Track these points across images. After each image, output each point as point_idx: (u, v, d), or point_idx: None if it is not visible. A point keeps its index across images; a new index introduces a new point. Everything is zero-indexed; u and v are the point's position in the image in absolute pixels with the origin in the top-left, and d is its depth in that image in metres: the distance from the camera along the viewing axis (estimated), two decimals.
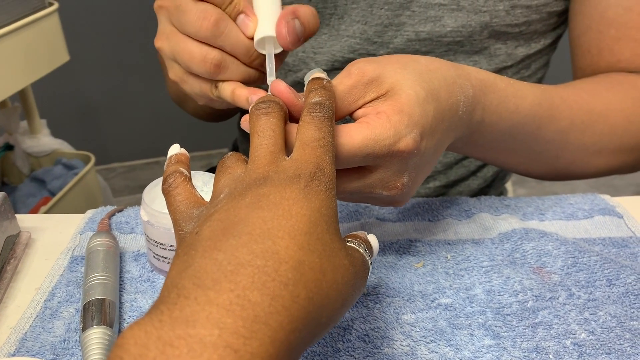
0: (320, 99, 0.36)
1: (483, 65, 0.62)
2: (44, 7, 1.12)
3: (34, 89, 1.34)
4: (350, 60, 0.62)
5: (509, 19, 0.58)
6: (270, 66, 0.42)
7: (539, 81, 0.69)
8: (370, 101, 0.39)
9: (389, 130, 0.37)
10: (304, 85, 0.38)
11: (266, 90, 0.42)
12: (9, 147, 1.36)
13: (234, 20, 0.42)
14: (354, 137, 0.36)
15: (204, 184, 0.48)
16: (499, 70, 0.63)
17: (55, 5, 1.16)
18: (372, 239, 0.35)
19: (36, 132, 1.37)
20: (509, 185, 0.92)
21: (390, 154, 0.37)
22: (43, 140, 1.38)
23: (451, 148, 0.46)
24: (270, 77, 0.42)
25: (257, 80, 0.44)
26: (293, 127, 0.36)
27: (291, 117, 0.38)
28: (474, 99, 0.43)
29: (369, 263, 0.34)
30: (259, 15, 0.42)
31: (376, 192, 0.40)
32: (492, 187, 0.75)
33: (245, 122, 0.38)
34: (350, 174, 0.39)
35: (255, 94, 0.42)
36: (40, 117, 1.38)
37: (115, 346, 0.24)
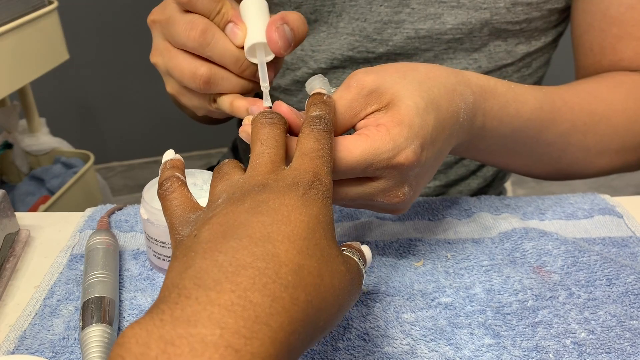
0: (320, 112, 0.37)
1: (483, 63, 0.62)
2: (44, 6, 1.12)
3: (33, 88, 1.34)
4: (349, 58, 0.62)
5: (509, 16, 0.58)
6: (263, 73, 0.42)
7: (540, 79, 0.69)
8: (372, 113, 0.39)
9: (388, 144, 0.37)
10: (302, 84, 0.38)
11: (261, 97, 0.42)
12: (8, 146, 1.36)
13: (223, 29, 0.42)
14: (352, 150, 0.37)
15: (204, 182, 0.49)
16: (499, 68, 0.63)
17: (55, 4, 1.16)
18: (366, 250, 0.36)
19: (35, 131, 1.37)
20: (508, 185, 0.92)
21: (389, 167, 0.37)
22: (42, 139, 1.37)
23: (452, 152, 0.46)
24: (264, 84, 0.42)
25: (252, 90, 0.45)
26: (292, 140, 0.37)
27: (291, 133, 0.38)
28: (474, 105, 0.43)
29: (363, 272, 0.35)
30: (248, 24, 0.42)
31: (377, 200, 0.40)
32: (492, 187, 0.75)
33: (244, 132, 0.38)
34: (351, 181, 0.39)
35: (255, 105, 0.42)
36: (40, 115, 1.38)
37: (116, 345, 0.24)
